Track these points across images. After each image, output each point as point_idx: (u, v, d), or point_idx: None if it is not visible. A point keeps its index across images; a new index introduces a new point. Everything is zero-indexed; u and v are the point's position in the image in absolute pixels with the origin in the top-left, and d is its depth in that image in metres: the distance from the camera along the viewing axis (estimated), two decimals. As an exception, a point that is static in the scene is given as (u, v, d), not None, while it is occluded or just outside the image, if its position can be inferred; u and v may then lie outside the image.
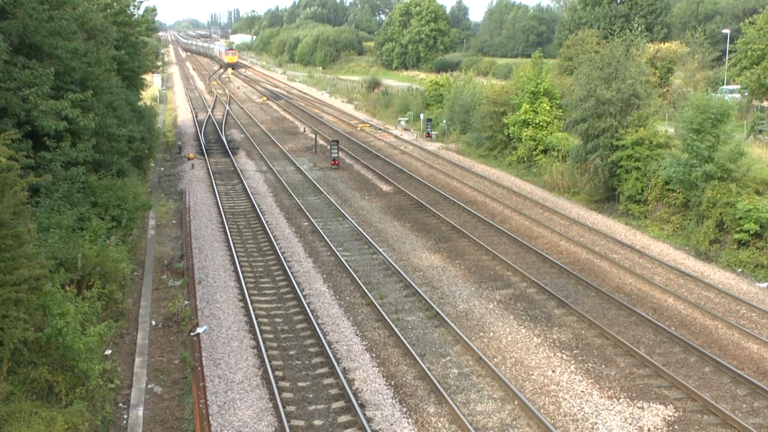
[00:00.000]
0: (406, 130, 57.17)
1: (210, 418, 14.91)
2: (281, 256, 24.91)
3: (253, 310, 20.23)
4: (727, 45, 60.79)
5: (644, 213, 29.87)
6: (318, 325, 19.38)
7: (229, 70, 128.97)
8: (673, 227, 28.07)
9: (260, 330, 18.97)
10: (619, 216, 30.83)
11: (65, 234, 18.65)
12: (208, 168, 41.56)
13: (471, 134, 47.31)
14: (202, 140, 51.40)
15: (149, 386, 16.36)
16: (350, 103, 78.50)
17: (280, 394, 15.69)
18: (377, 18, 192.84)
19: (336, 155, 42.41)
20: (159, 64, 78.70)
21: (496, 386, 16.38)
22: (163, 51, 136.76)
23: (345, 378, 16.48)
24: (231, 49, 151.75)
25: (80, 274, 17.65)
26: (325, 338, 18.56)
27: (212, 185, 36.86)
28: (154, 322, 19.96)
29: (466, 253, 26.11)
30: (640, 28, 49.04)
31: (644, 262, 25.03)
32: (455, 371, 17.16)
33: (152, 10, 45.38)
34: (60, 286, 15.53)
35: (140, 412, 15.12)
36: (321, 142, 49.89)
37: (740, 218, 24.44)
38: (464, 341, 18.35)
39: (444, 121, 52.94)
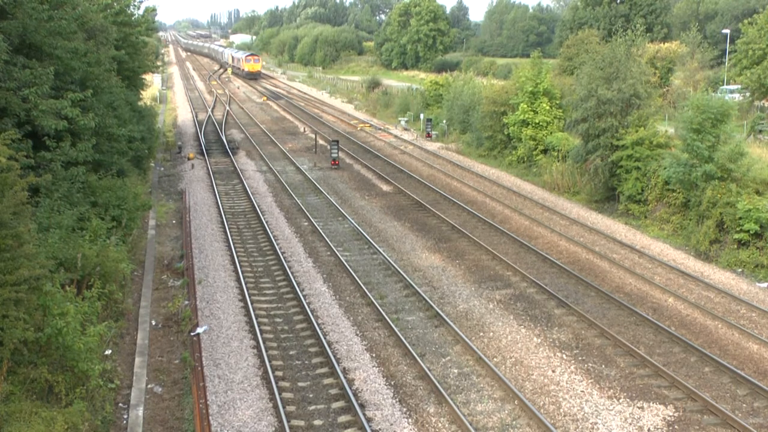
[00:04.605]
0: (406, 130, 57.17)
1: (210, 418, 14.91)
2: (281, 256, 24.91)
3: (253, 310, 20.22)
4: (727, 45, 60.83)
5: (644, 213, 29.86)
6: (318, 325, 19.38)
7: (229, 70, 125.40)
8: (673, 227, 28.05)
9: (260, 330, 18.97)
10: (619, 216, 30.82)
11: (65, 234, 18.65)
12: (208, 168, 41.55)
13: (471, 134, 47.30)
14: (202, 140, 51.39)
15: (149, 386, 16.36)
16: (350, 103, 78.53)
17: (280, 394, 15.68)
18: (377, 18, 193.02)
19: (336, 155, 42.40)
20: (159, 64, 78.66)
21: (496, 386, 16.38)
22: (163, 51, 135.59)
23: (345, 378, 16.47)
24: (253, 54, 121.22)
25: (80, 274, 17.65)
26: (325, 338, 18.56)
27: (212, 185, 36.85)
28: (154, 322, 19.95)
29: (466, 253, 26.10)
30: (641, 29, 49.02)
31: (644, 262, 25.03)
32: (455, 371, 17.16)
33: (152, 10, 45.37)
34: (60, 286, 15.54)
35: (140, 412, 15.11)
36: (321, 142, 49.88)
37: (740, 218, 24.43)
38: (464, 341, 18.35)
39: (444, 121, 52.93)
